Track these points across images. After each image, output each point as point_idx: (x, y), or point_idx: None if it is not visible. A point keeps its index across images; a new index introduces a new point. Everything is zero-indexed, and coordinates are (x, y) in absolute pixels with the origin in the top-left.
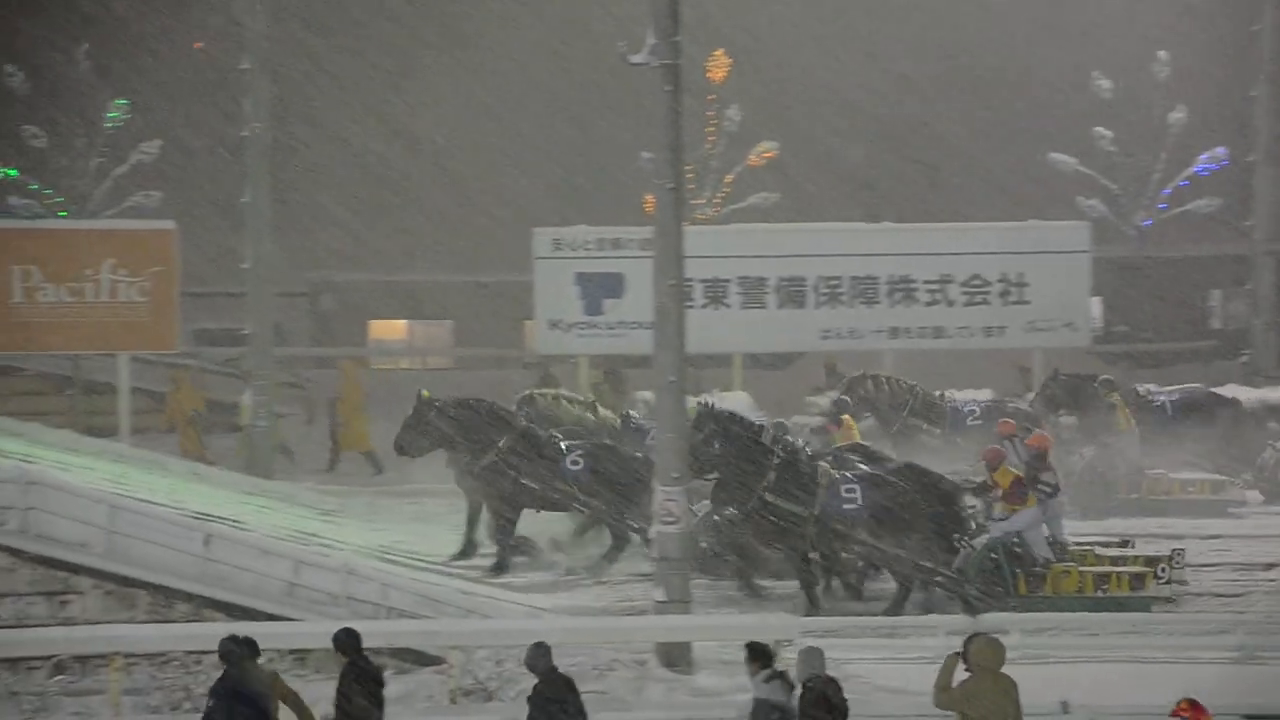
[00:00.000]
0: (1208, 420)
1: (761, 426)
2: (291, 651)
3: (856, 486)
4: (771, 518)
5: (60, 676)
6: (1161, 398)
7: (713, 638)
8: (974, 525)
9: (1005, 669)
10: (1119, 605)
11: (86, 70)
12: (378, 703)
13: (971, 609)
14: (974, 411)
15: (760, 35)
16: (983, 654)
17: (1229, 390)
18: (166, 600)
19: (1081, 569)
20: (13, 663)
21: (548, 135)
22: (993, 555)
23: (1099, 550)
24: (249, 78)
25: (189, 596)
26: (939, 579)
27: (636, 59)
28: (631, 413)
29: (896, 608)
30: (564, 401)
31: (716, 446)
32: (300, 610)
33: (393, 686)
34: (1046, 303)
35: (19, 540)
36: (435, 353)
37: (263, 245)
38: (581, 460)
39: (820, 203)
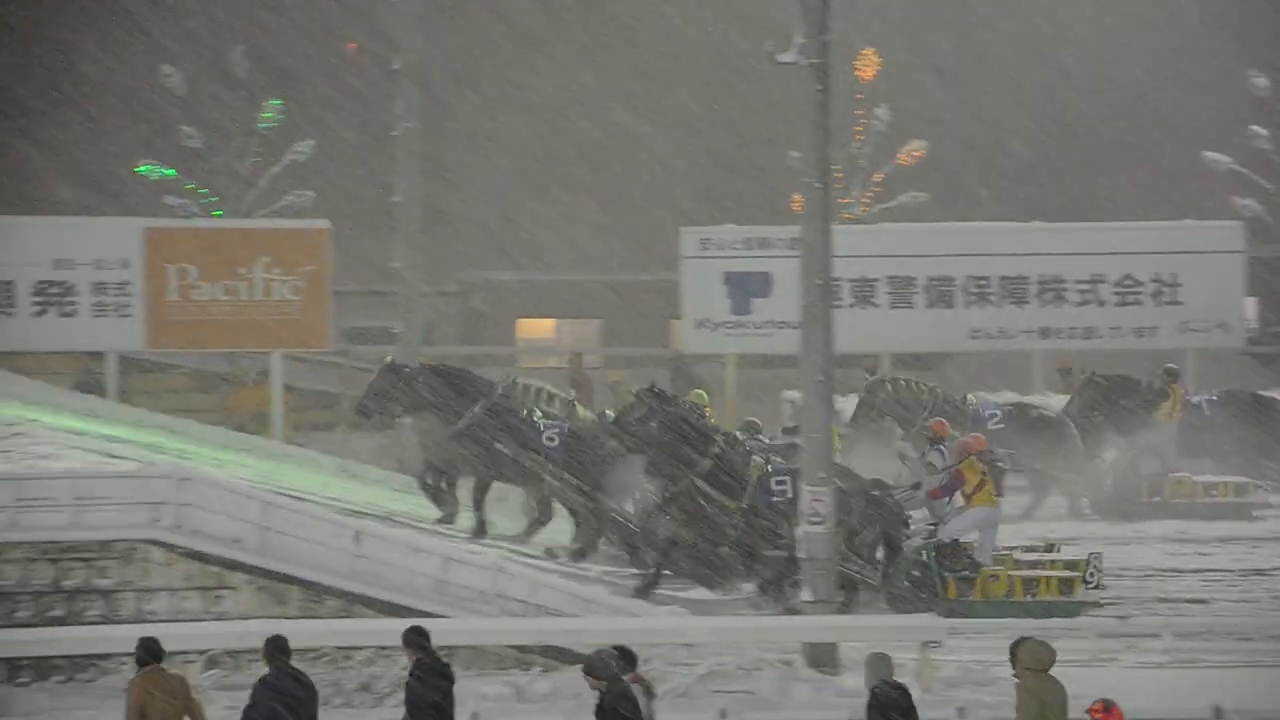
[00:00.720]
0: (1246, 421)
1: (702, 412)
2: (440, 648)
3: (787, 479)
4: (700, 503)
5: (213, 670)
6: (1198, 398)
7: (860, 638)
8: (908, 528)
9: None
10: (1047, 610)
11: (242, 70)
12: (447, 700)
13: (898, 607)
14: (995, 415)
15: (911, 34)
16: (1032, 657)
17: (1276, 392)
18: (317, 596)
19: (1010, 573)
20: (169, 656)
21: (697, 133)
22: (922, 556)
23: (1018, 555)
24: (400, 77)
25: (339, 592)
26: (864, 579)
27: (785, 58)
28: (608, 412)
29: (773, 589)
30: (546, 393)
31: (654, 426)
32: (449, 607)
33: (539, 684)
34: (1200, 303)
35: (174, 536)
36: (583, 351)
37: (413, 244)
38: (557, 438)
39: (971, 202)
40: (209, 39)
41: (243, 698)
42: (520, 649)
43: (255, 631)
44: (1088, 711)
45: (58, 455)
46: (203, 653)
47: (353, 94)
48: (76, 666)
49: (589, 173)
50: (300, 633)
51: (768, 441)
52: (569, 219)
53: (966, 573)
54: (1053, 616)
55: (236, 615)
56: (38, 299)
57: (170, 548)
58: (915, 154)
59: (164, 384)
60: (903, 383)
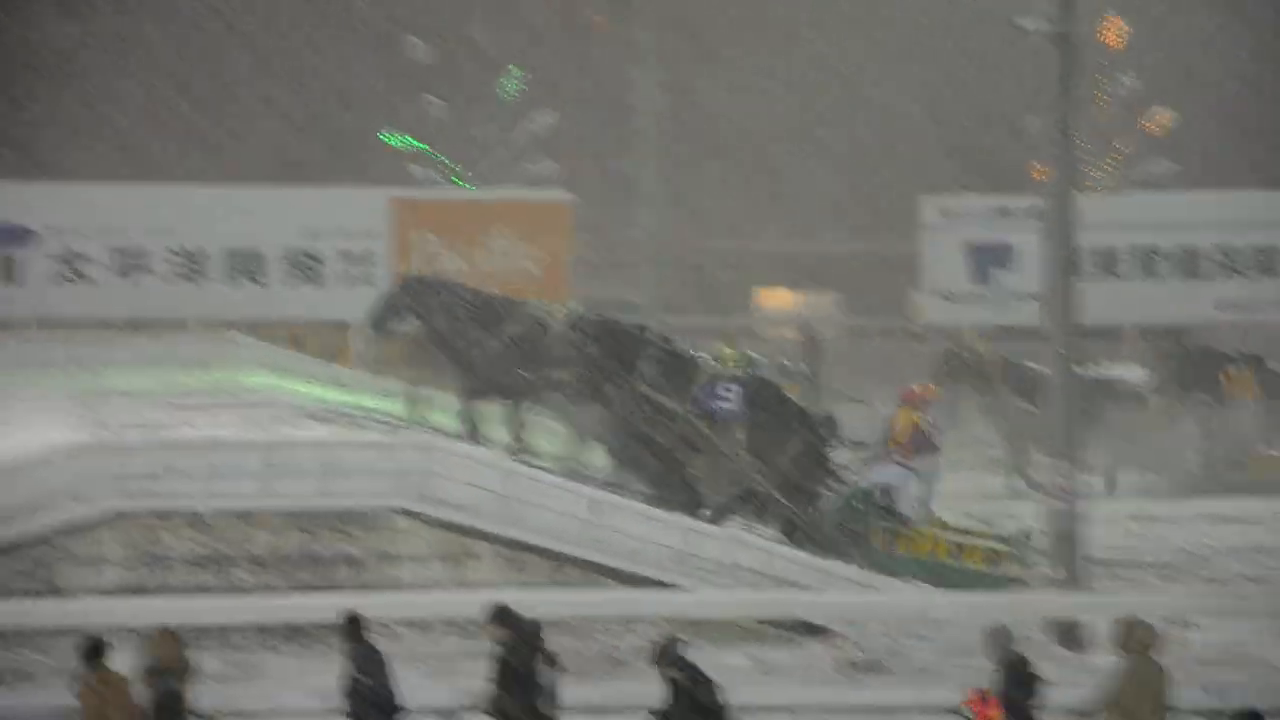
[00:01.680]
0: None
1: (640, 328)
2: (680, 620)
3: (735, 388)
4: (644, 409)
5: (456, 637)
6: None
7: (1109, 614)
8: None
9: None
10: (970, 579)
11: (485, 41)
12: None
13: (821, 550)
14: None
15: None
16: (1140, 638)
17: None
18: (558, 565)
19: (939, 533)
20: (422, 625)
21: (936, 100)
22: (855, 503)
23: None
24: (644, 50)
25: (579, 561)
26: (791, 512)
27: (1027, 23)
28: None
29: (722, 514)
30: None
31: (593, 346)
32: (688, 578)
33: (779, 656)
34: None
35: (419, 504)
36: (821, 322)
37: (654, 215)
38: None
39: (1218, 170)
40: (451, 9)
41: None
42: (762, 622)
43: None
44: (964, 703)
45: (306, 423)
46: (448, 621)
47: (599, 69)
48: (327, 634)
49: (828, 142)
50: (541, 602)
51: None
52: (808, 190)
53: (895, 526)
54: (975, 588)
55: (480, 584)
56: (286, 268)
57: (415, 516)
58: (1163, 121)
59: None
60: (980, 352)
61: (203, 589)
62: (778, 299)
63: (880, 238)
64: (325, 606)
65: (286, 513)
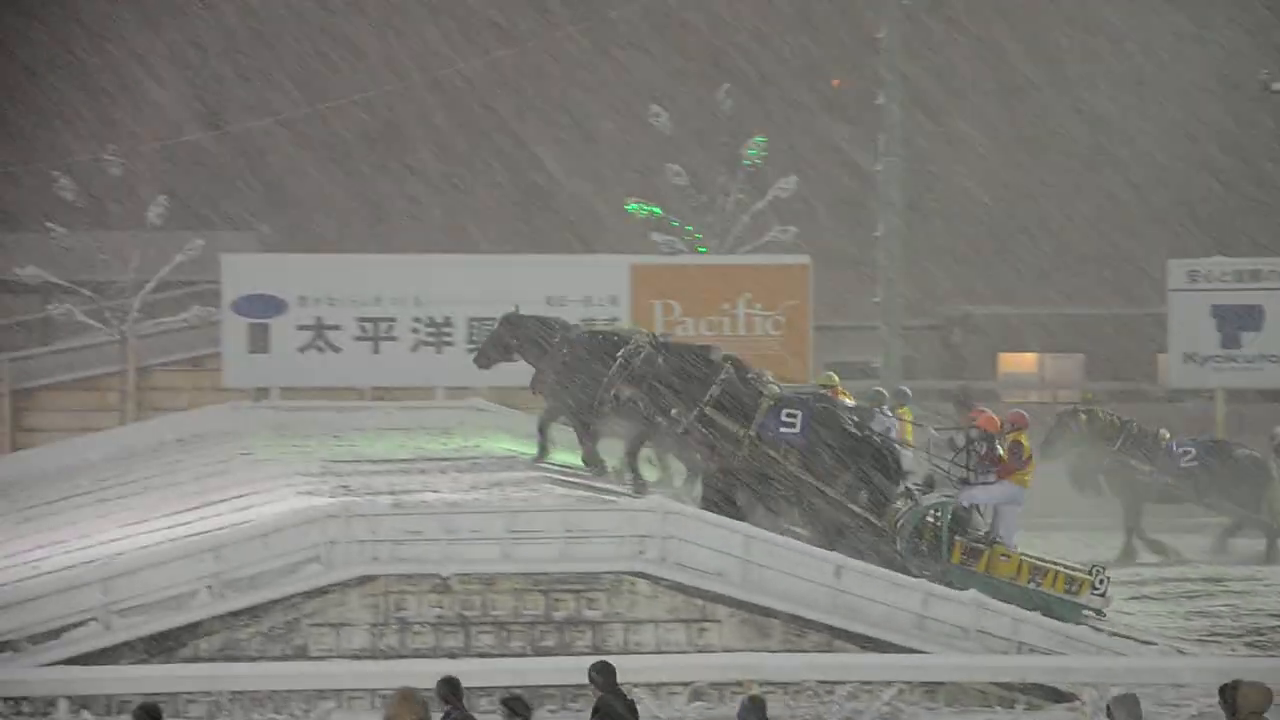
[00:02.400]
0: None
1: (706, 348)
2: (921, 684)
3: (799, 414)
4: (707, 431)
5: (698, 703)
6: None
7: None
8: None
9: None
10: (1047, 604)
11: (727, 109)
12: None
13: (893, 561)
14: (1189, 452)
15: None
16: (1252, 701)
17: None
18: (799, 630)
19: (1023, 557)
20: (654, 688)
21: (1184, 161)
22: (933, 515)
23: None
24: (884, 112)
25: (821, 627)
26: (859, 525)
27: (1278, 86)
28: None
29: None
30: None
31: (661, 364)
32: (930, 643)
33: None
34: None
35: (658, 568)
36: (1066, 386)
37: (895, 278)
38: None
39: None
40: (695, 79)
41: None
42: (1003, 686)
43: (739, 665)
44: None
45: (547, 488)
46: (687, 685)
47: (836, 130)
48: (568, 695)
49: (1073, 205)
50: (783, 667)
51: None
52: (1052, 252)
53: (978, 544)
54: (1051, 613)
55: (720, 648)
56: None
57: (656, 580)
58: None
59: None
60: (1098, 414)
61: (446, 652)
62: (1021, 362)
63: (1127, 300)
64: (567, 669)
65: (528, 577)
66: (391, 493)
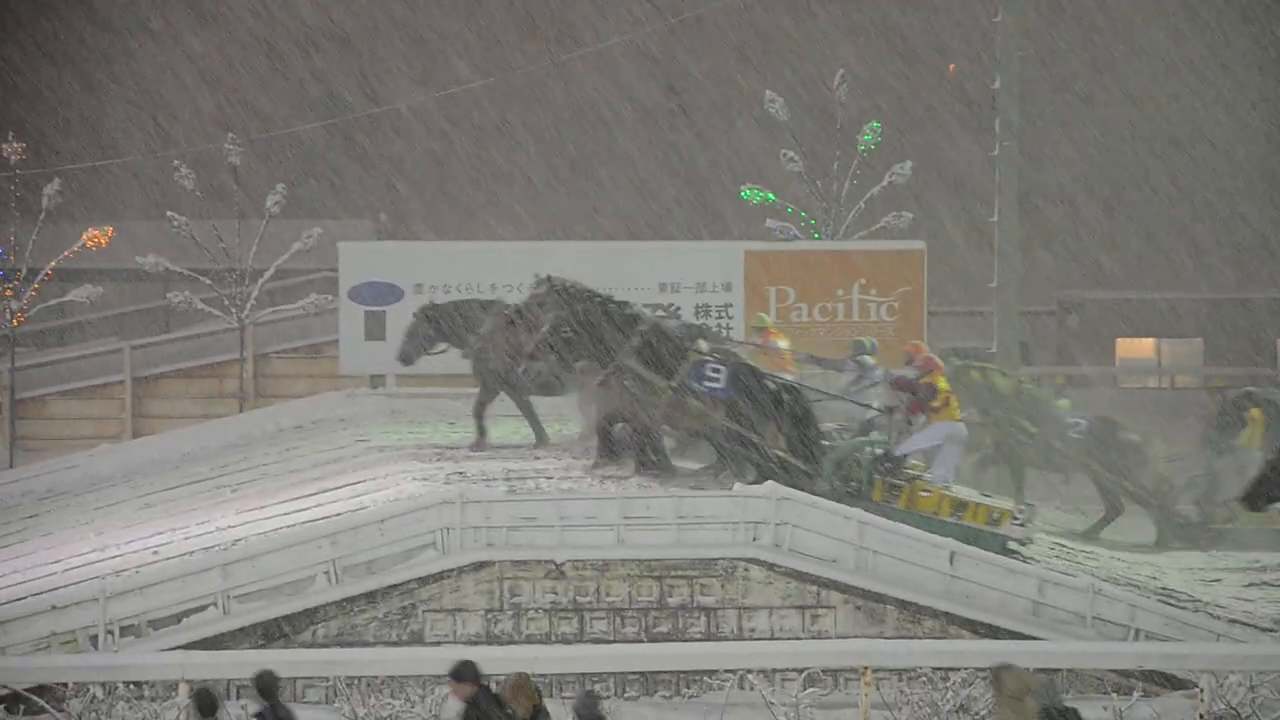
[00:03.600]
0: None
1: (625, 303)
2: (1038, 670)
3: (722, 370)
4: (629, 383)
5: (812, 689)
6: None
7: None
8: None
9: None
10: (970, 536)
11: (842, 94)
12: None
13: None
14: (1080, 424)
15: None
16: (1015, 684)
17: None
18: (914, 616)
19: (943, 492)
20: (768, 674)
21: None
22: (857, 452)
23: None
24: (1000, 97)
25: (935, 613)
26: (791, 467)
27: None
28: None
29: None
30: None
31: (567, 331)
32: (1045, 629)
33: (1140, 709)
34: None
35: (773, 554)
36: (1183, 371)
37: (1011, 263)
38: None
39: None
40: (810, 65)
41: (842, 715)
42: (1120, 673)
43: (853, 651)
44: None
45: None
46: (801, 671)
47: (952, 115)
48: (682, 682)
49: (1191, 189)
50: (897, 653)
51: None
52: (1170, 237)
53: (898, 482)
54: (977, 544)
55: (834, 634)
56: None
57: (770, 566)
58: None
59: None
60: (991, 371)
61: (560, 638)
62: (1139, 348)
63: (1247, 285)
64: (681, 656)
65: (642, 563)
66: (506, 479)
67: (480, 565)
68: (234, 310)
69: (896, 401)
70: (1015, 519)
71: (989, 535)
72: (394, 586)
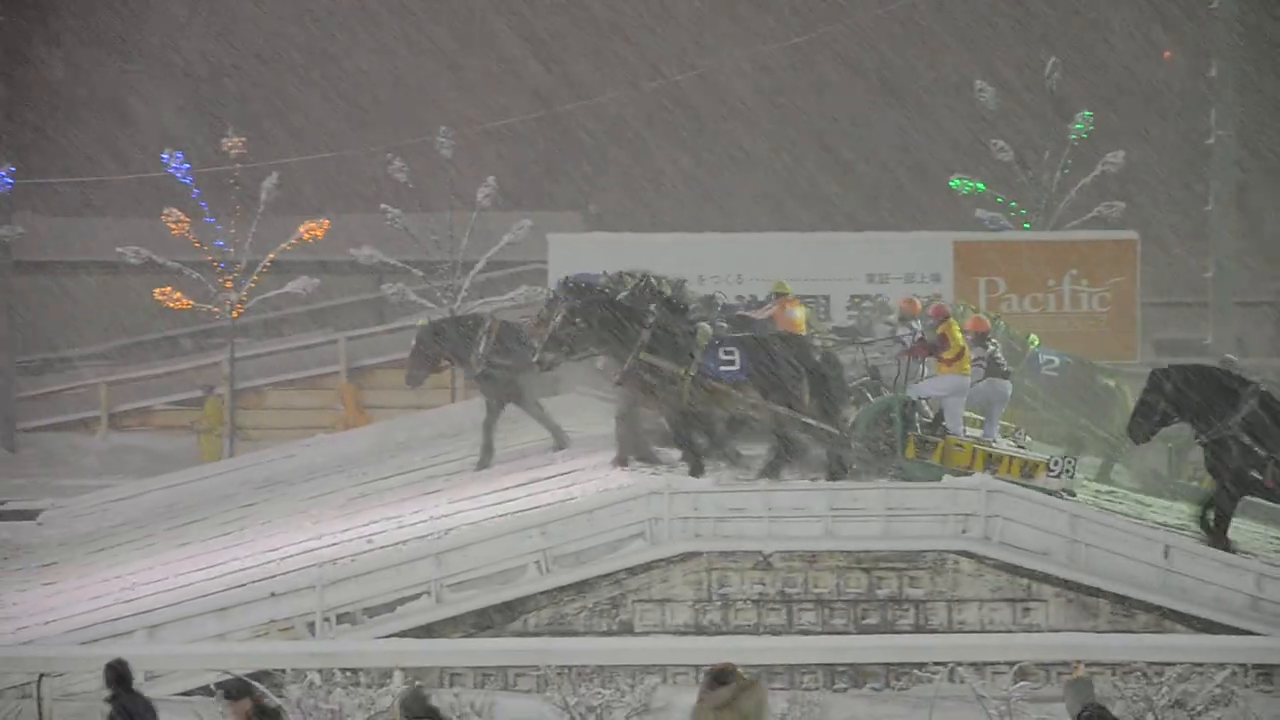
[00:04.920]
0: None
1: (621, 294)
2: (1256, 667)
3: (735, 349)
4: (647, 376)
5: (1024, 683)
6: None
7: None
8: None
9: None
10: None
11: (1054, 83)
12: None
13: (844, 468)
14: (1052, 362)
15: None
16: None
17: None
18: (1128, 610)
19: (975, 446)
20: (979, 667)
21: None
22: (890, 412)
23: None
24: (1217, 84)
25: (1150, 607)
26: (822, 434)
27: None
28: None
29: (772, 470)
30: None
31: (579, 323)
32: (1265, 624)
33: None
34: None
35: (982, 547)
36: None
37: (1226, 253)
38: None
39: None
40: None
41: (1053, 710)
42: None
43: (1065, 645)
44: None
45: None
46: (1012, 664)
47: (1167, 103)
48: (891, 674)
49: None
50: (1110, 647)
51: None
52: None
53: (930, 438)
54: None
55: (1046, 628)
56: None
57: (980, 559)
58: None
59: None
60: (968, 308)
61: (769, 629)
62: None
63: None
64: (891, 648)
65: (850, 554)
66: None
67: (688, 556)
68: (446, 302)
69: (900, 344)
70: (1050, 471)
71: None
72: (603, 576)
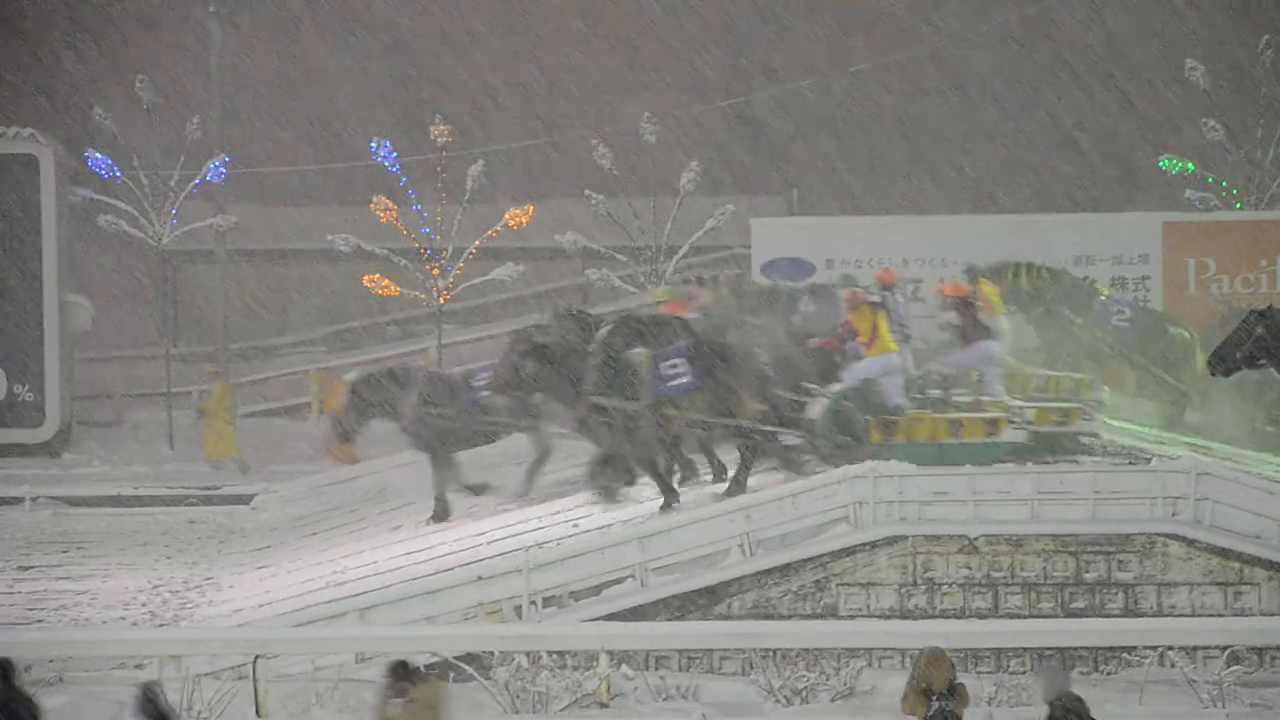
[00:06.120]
0: None
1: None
2: None
3: (679, 361)
4: (604, 419)
5: (1236, 667)
6: None
7: None
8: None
9: None
10: (975, 455)
11: (1267, 60)
12: None
13: (826, 461)
14: (1124, 312)
15: None
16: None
17: None
18: None
19: (934, 415)
20: (1189, 651)
21: None
22: (844, 403)
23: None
24: None
25: None
26: (787, 436)
27: None
28: None
29: (737, 485)
30: None
31: (530, 366)
32: None
33: None
34: None
35: (1193, 530)
36: None
37: None
38: None
39: None
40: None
41: (1265, 695)
42: None
43: (1277, 629)
44: None
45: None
46: (1224, 649)
47: None
48: (1100, 658)
49: None
50: None
51: None
52: None
53: (890, 418)
54: (979, 459)
55: (1258, 611)
56: None
57: (1190, 542)
58: None
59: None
60: (1033, 270)
61: (975, 613)
62: None
63: None
64: (1100, 632)
65: (1057, 538)
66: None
67: (893, 540)
68: (650, 287)
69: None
70: (1013, 422)
71: (993, 446)
72: (807, 560)
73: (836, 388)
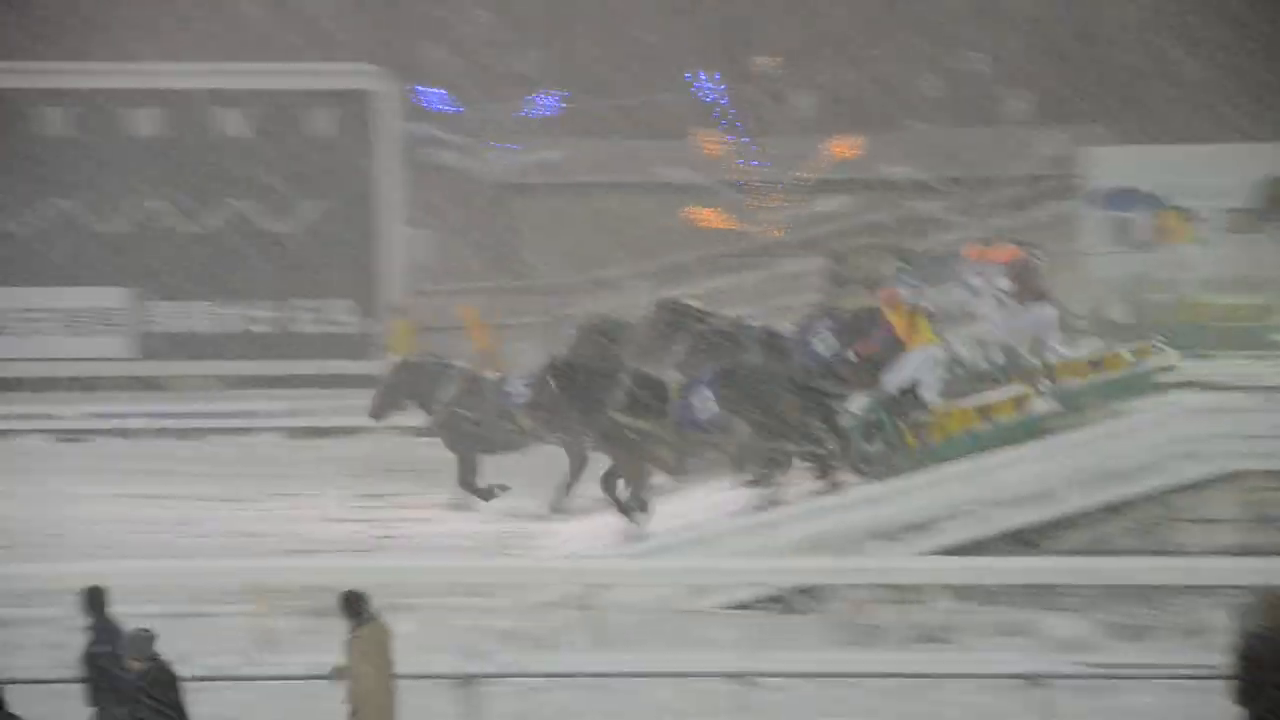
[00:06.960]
0: None
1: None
2: None
3: (707, 391)
4: (627, 437)
5: None
6: None
7: None
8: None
9: None
10: (1013, 435)
11: None
12: None
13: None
14: None
15: None
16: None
17: None
18: None
19: (961, 405)
20: None
21: None
22: (874, 414)
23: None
24: None
25: None
26: (822, 451)
27: None
28: None
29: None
30: None
31: (551, 386)
32: None
33: None
34: None
35: None
36: None
37: None
38: None
39: None
40: None
41: None
42: None
43: None
44: None
45: None
46: None
47: None
48: None
49: None
50: None
51: None
52: None
53: (922, 417)
54: (1018, 439)
55: None
56: None
57: None
58: None
59: None
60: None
61: None
62: None
63: None
64: None
65: None
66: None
67: (1234, 475)
68: (980, 218)
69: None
70: (1041, 391)
71: (1030, 423)
72: (1144, 495)
73: (864, 402)
